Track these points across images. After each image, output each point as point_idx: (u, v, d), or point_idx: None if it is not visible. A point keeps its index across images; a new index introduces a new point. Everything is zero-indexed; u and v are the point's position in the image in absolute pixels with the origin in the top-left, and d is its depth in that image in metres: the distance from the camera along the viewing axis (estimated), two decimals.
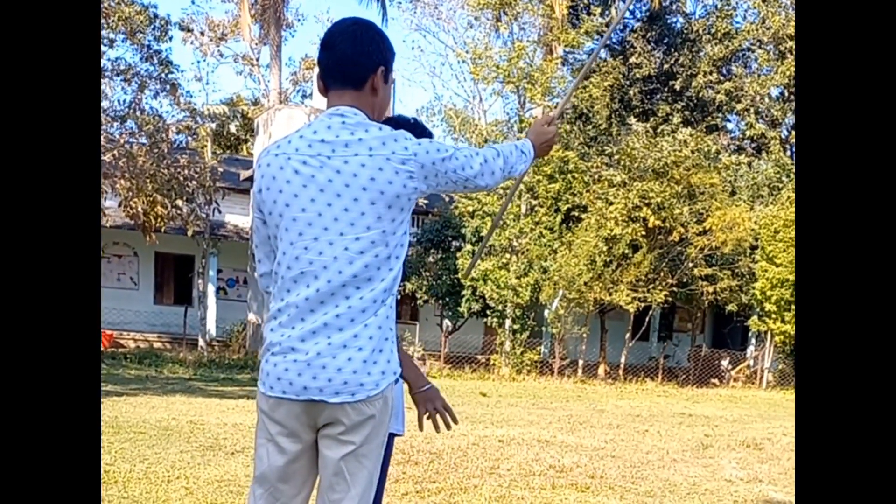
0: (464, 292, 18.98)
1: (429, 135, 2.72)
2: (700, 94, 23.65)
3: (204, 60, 30.36)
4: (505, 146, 2.55)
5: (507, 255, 18.74)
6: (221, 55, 31.67)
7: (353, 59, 2.32)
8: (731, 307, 20.66)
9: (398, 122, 2.70)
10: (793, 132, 24.67)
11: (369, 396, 2.27)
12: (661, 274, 19.26)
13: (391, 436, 2.75)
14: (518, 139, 2.89)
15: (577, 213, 19.34)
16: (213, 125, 23.87)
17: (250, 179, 19.07)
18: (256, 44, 27.87)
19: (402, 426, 2.80)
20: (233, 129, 29.99)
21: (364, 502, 2.36)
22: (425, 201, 23.72)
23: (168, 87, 18.03)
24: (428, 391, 2.74)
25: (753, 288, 19.53)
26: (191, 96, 22.97)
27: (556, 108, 3.27)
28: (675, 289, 19.60)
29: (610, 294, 18.51)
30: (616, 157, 19.60)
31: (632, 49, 23.36)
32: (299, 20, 31.14)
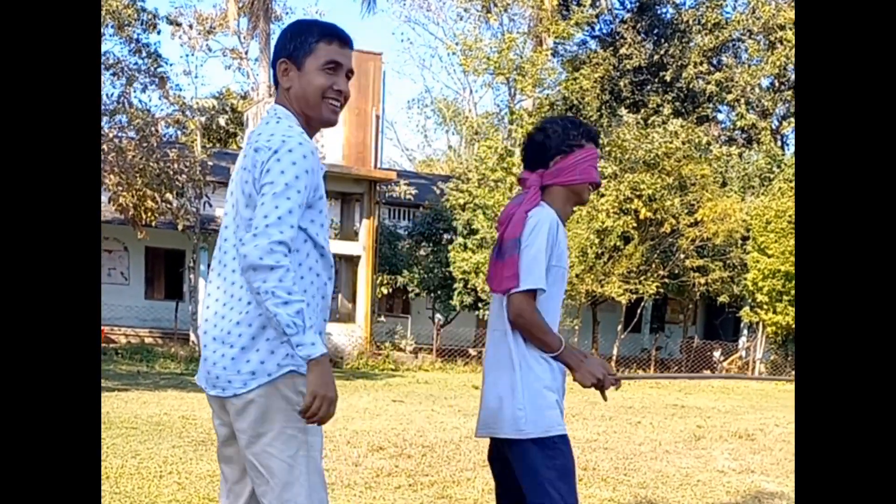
0: (456, 285, 18.96)
1: (568, 127, 2.75)
2: (690, 85, 23.66)
3: (192, 54, 30.15)
4: (295, 301, 2.05)
5: None
6: (210, 49, 31.49)
7: (271, 63, 2.43)
8: (723, 298, 20.69)
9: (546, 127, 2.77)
10: (783, 122, 24.70)
11: (237, 395, 2.23)
12: (653, 265, 19.27)
13: (562, 437, 2.56)
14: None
15: None
16: (203, 119, 23.70)
17: None
18: (245, 37, 27.72)
19: (560, 423, 2.57)
20: (222, 122, 29.80)
21: (292, 494, 2.22)
22: (415, 191, 23.66)
23: (157, 80, 17.94)
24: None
25: (745, 279, 19.54)
26: (180, 90, 22.87)
27: None
28: (666, 280, 19.62)
29: (602, 286, 18.52)
30: (607, 148, 19.59)
31: (622, 40, 23.33)
32: (287, 13, 30.97)
